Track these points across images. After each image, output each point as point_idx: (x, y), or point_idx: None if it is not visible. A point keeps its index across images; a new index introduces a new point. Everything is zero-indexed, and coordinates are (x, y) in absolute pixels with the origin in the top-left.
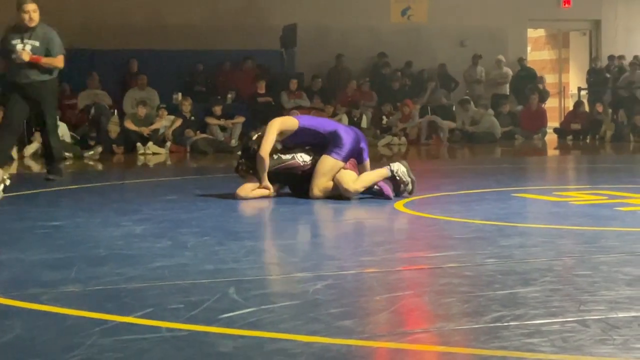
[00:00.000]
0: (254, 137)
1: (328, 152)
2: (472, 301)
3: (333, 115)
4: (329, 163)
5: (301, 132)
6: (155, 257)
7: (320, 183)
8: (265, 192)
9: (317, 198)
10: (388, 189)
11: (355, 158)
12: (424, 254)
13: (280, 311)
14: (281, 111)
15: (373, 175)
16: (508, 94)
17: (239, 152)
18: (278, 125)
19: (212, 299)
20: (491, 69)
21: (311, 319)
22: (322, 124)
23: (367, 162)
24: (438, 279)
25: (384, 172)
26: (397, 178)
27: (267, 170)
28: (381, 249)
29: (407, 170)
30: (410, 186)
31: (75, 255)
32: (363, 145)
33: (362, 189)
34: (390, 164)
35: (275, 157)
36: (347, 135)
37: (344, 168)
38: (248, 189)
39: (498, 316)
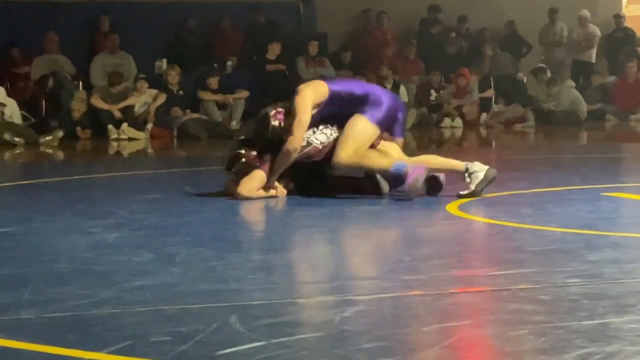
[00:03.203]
0: (275, 123)
1: (361, 111)
2: (549, 334)
3: None
4: (361, 124)
5: (332, 100)
6: (134, 274)
7: (349, 147)
8: (273, 192)
9: (341, 167)
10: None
11: (388, 130)
12: (486, 271)
13: (297, 346)
14: (298, 82)
15: (377, 161)
16: (594, 61)
17: (241, 137)
18: (311, 99)
19: (207, 329)
20: (573, 28)
21: (338, 356)
22: (354, 85)
23: (401, 140)
24: (505, 304)
25: (386, 162)
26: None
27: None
28: (430, 265)
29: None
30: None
31: (30, 271)
32: (400, 114)
33: (354, 165)
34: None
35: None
36: (384, 96)
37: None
38: (252, 186)
39: (584, 354)
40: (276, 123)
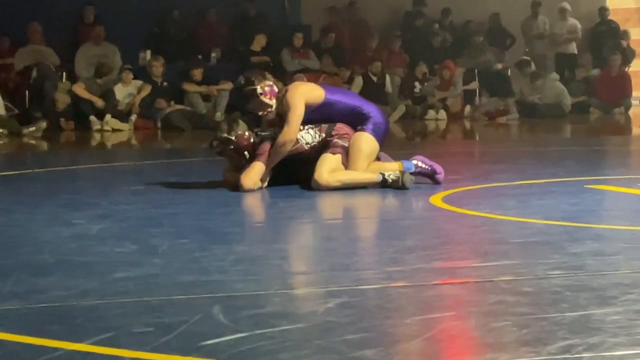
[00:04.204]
0: (266, 99)
1: (364, 127)
2: (532, 325)
3: (349, 81)
4: (370, 142)
5: (324, 107)
6: (117, 265)
7: (363, 166)
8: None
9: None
10: (441, 170)
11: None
12: (469, 263)
13: (281, 337)
14: (282, 74)
15: (359, 175)
16: (576, 52)
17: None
18: (304, 96)
19: (190, 320)
20: (555, 21)
21: (321, 347)
22: (350, 98)
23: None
24: (488, 296)
25: (373, 177)
26: (389, 182)
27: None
28: (413, 257)
29: (402, 180)
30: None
31: (12, 262)
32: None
33: (336, 185)
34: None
35: (273, 135)
36: (381, 114)
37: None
38: (256, 179)
39: (566, 345)
40: (266, 99)
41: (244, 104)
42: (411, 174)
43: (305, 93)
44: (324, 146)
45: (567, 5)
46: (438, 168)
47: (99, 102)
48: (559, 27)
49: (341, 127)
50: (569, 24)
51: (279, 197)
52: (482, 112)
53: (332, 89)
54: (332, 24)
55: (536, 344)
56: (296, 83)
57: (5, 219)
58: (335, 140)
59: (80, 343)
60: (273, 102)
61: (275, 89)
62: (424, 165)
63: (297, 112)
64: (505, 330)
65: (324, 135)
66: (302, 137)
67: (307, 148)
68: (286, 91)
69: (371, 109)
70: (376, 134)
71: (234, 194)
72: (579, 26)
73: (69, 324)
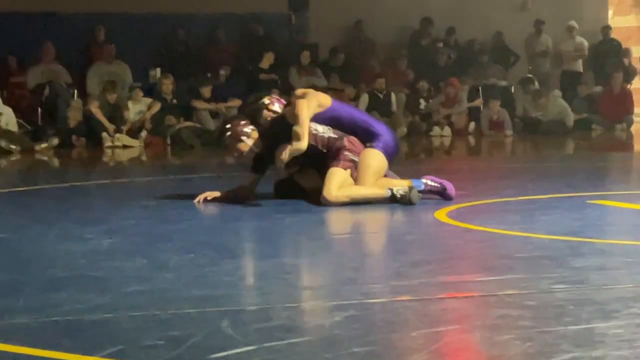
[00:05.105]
0: (273, 107)
1: (374, 144)
2: (536, 339)
3: (355, 98)
4: (378, 159)
5: (330, 115)
6: (127, 280)
7: (370, 182)
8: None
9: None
10: (451, 187)
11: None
12: (474, 277)
13: (288, 350)
14: (290, 92)
15: (368, 191)
16: (582, 70)
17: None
18: (313, 100)
19: (200, 334)
20: (561, 39)
21: None
22: (359, 112)
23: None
24: (492, 310)
25: (382, 192)
26: (397, 198)
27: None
28: (418, 271)
29: (409, 196)
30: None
31: (25, 277)
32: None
33: (345, 200)
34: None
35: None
36: (389, 132)
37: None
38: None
39: (570, 358)
40: (275, 107)
41: (255, 121)
42: (421, 192)
43: (315, 99)
44: (335, 154)
45: (574, 23)
46: (448, 185)
47: (111, 129)
48: (565, 44)
49: (354, 140)
50: (576, 42)
51: (287, 212)
52: (484, 125)
53: (339, 101)
54: (342, 44)
55: (539, 357)
56: (304, 90)
57: (17, 234)
58: (346, 152)
59: (91, 356)
60: (280, 108)
61: (279, 98)
62: (433, 184)
63: (304, 117)
64: (509, 344)
65: (335, 136)
66: (316, 128)
67: (314, 133)
68: (295, 101)
69: (382, 129)
70: (385, 151)
71: (243, 209)
72: (586, 44)
73: (80, 337)
